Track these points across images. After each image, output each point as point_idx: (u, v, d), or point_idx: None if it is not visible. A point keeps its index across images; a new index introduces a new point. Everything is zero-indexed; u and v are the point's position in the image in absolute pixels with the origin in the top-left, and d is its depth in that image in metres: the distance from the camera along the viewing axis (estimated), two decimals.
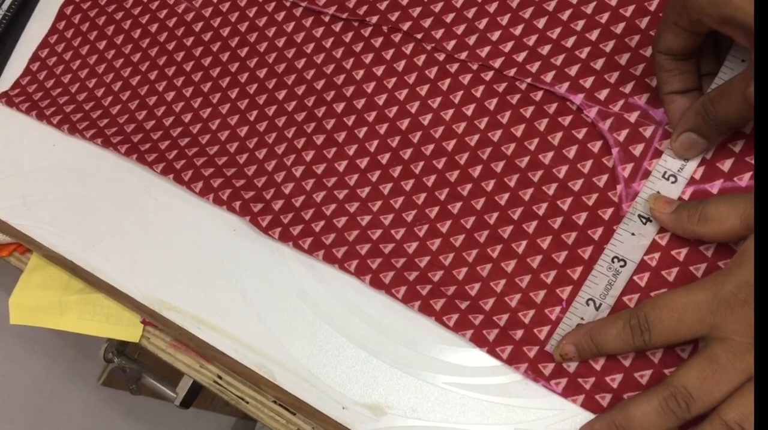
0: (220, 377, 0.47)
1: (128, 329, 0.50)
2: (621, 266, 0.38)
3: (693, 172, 0.39)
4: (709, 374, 0.33)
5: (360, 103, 0.46)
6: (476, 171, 0.43)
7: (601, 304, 0.38)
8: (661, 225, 0.38)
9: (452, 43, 0.45)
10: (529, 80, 0.43)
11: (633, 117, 0.40)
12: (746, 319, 0.32)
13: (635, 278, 0.38)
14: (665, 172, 0.39)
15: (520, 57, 0.44)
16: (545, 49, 0.43)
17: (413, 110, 0.45)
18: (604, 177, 0.40)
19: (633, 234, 0.39)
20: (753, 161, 0.38)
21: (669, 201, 0.38)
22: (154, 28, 0.53)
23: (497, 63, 0.44)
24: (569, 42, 0.43)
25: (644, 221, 0.39)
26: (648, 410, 0.34)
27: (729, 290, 0.32)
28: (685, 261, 0.38)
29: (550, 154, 0.42)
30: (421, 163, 0.44)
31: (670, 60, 0.38)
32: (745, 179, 0.38)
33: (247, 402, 0.46)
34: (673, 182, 0.39)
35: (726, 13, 0.33)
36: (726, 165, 0.38)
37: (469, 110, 0.44)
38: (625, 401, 0.35)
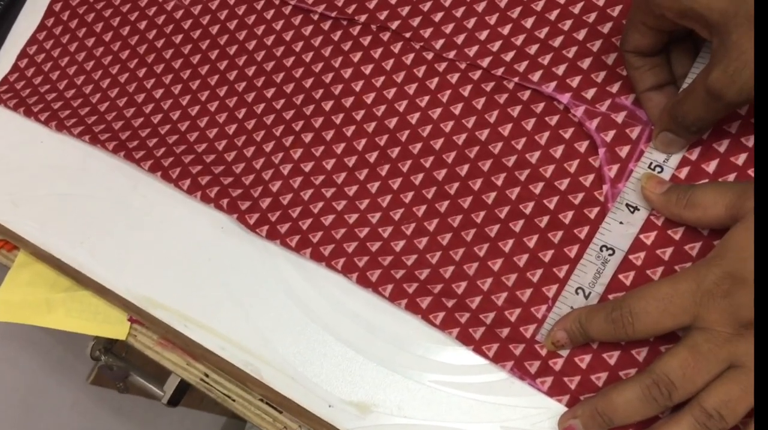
0: (206, 375, 0.47)
1: (115, 326, 0.49)
2: (609, 255, 0.39)
3: (678, 164, 0.39)
4: (690, 363, 0.33)
5: (348, 102, 0.46)
6: (464, 170, 0.43)
7: (590, 292, 0.38)
8: (650, 205, 0.38)
9: (440, 42, 0.45)
10: (516, 79, 0.43)
11: (620, 117, 0.41)
12: (727, 310, 0.32)
13: (622, 269, 0.39)
14: (651, 163, 0.39)
15: (508, 56, 0.44)
16: (533, 49, 0.43)
17: (401, 109, 0.45)
18: (591, 176, 0.41)
19: (621, 223, 0.39)
20: (737, 162, 0.38)
21: (661, 181, 0.38)
22: (143, 25, 0.53)
23: (485, 62, 0.44)
24: (557, 42, 0.43)
25: (632, 209, 0.39)
26: (631, 397, 0.34)
27: (711, 281, 0.33)
28: (670, 260, 0.38)
29: (537, 154, 0.42)
30: (409, 162, 0.44)
31: (638, 57, 0.38)
32: (741, 159, 0.38)
33: (234, 400, 0.46)
34: (659, 172, 0.39)
35: (684, 5, 0.33)
36: (711, 166, 0.39)
37: (456, 109, 0.44)
38: (607, 388, 0.36)
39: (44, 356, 1.00)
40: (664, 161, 0.39)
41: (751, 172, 0.38)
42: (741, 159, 0.38)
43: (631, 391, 0.34)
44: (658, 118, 0.39)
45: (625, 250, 0.39)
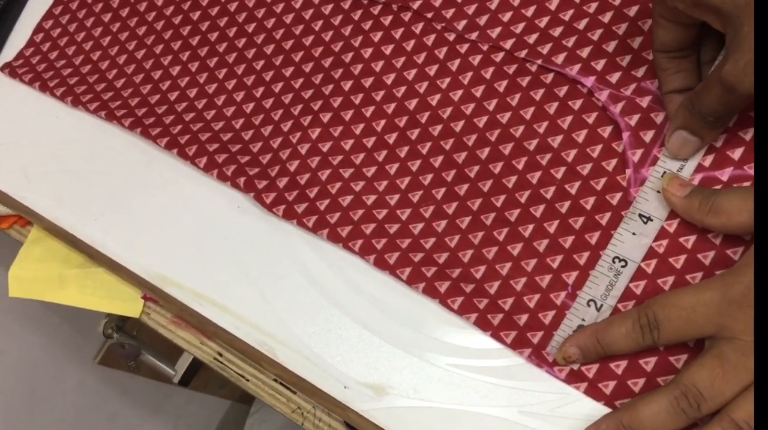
0: (220, 355, 0.47)
1: (129, 304, 0.49)
2: (622, 267, 0.38)
3: (695, 169, 0.38)
4: (719, 373, 0.32)
5: (368, 82, 0.46)
6: (484, 153, 0.42)
7: (602, 305, 0.38)
8: (671, 207, 0.38)
9: (463, 23, 0.45)
10: (539, 62, 0.42)
11: (645, 102, 0.40)
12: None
13: (634, 281, 0.38)
14: (664, 173, 0.38)
15: (532, 38, 0.43)
16: (557, 31, 0.43)
17: (421, 90, 0.44)
18: (613, 162, 0.40)
19: (634, 234, 0.38)
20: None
21: (684, 184, 0.37)
22: (160, 1, 0.53)
23: (508, 44, 0.43)
24: (581, 24, 0.42)
25: (645, 220, 0.38)
26: (658, 409, 0.33)
27: (738, 290, 0.32)
28: (681, 270, 0.37)
29: (559, 138, 0.41)
30: (429, 144, 0.43)
31: (666, 58, 0.38)
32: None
33: (248, 380, 0.46)
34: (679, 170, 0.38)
35: None
36: (736, 154, 0.38)
37: (478, 92, 0.43)
38: (633, 400, 0.35)
39: (51, 335, 1.00)
40: (678, 170, 0.38)
41: None
42: None
43: (658, 403, 0.33)
44: (673, 116, 0.38)
45: (638, 261, 0.38)
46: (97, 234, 0.48)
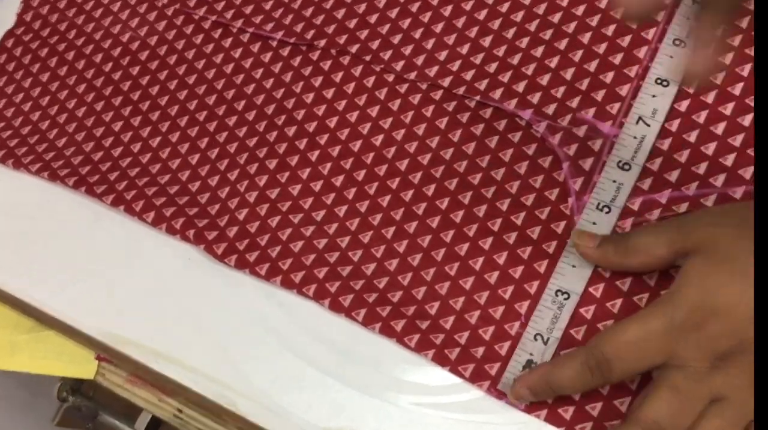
0: (180, 411, 0.46)
1: (82, 366, 0.48)
2: (565, 299, 0.39)
3: (633, 192, 0.39)
4: (675, 405, 0.33)
5: (311, 127, 0.46)
6: (430, 190, 0.43)
7: (548, 338, 0.38)
8: (586, 260, 0.39)
9: (401, 63, 0.46)
10: (477, 98, 0.43)
11: (581, 131, 0.41)
12: (700, 343, 0.33)
13: (581, 310, 0.39)
14: (599, 204, 0.40)
15: (468, 75, 0.44)
16: (492, 67, 0.44)
17: (364, 132, 0.45)
18: (556, 191, 0.41)
19: (574, 266, 0.39)
20: (698, 171, 0.39)
21: (592, 236, 0.38)
22: (98, 58, 0.53)
23: (446, 82, 0.44)
24: (515, 59, 0.44)
25: None
26: None
27: (680, 317, 0.33)
28: (629, 291, 0.38)
29: (501, 171, 0.42)
30: (375, 184, 0.44)
31: None
32: (692, 189, 0.39)
33: None
34: (607, 213, 0.39)
35: None
36: (673, 176, 0.39)
37: (420, 130, 0.44)
38: None
39: (8, 399, 0.97)
40: (611, 201, 0.40)
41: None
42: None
43: None
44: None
45: (579, 292, 0.39)
46: (46, 297, 0.47)
